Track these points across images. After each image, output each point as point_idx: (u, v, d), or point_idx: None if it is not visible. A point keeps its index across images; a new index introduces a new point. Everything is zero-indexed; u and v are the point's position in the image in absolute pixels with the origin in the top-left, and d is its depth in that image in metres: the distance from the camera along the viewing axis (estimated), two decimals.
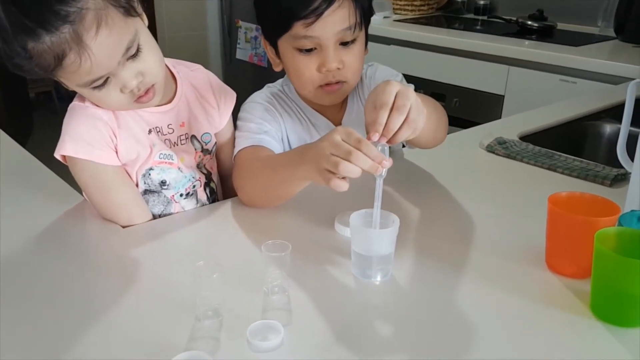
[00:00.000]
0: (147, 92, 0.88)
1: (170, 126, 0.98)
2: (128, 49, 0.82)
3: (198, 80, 1.04)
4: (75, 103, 0.92)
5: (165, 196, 0.99)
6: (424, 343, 0.68)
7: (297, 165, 0.85)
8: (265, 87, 1.15)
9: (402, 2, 2.78)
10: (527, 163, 1.15)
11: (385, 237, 0.77)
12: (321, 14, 0.94)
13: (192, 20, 3.59)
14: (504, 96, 2.20)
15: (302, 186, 0.91)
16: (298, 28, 0.96)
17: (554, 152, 1.19)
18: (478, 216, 0.98)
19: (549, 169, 1.13)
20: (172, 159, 0.98)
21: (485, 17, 2.75)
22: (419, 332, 0.70)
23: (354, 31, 0.98)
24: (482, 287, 0.77)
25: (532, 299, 0.75)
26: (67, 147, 0.89)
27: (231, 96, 1.08)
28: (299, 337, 0.68)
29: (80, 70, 0.79)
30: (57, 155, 0.91)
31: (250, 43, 3.34)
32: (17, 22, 0.75)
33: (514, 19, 2.49)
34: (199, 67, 1.07)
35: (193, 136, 1.02)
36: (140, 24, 0.85)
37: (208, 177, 1.05)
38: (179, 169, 0.99)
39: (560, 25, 2.45)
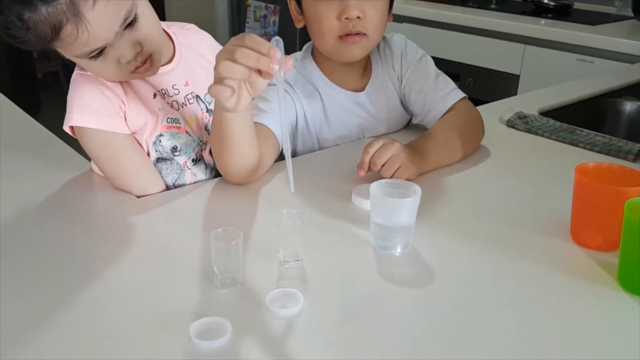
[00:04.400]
0: (144, 62, 0.86)
1: (175, 87, 0.97)
2: (126, 19, 0.80)
3: (194, 39, 1.03)
4: (77, 73, 0.90)
5: (177, 163, 0.97)
6: (445, 314, 0.66)
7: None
8: None
9: None
10: (549, 138, 1.12)
11: (407, 207, 0.75)
12: None
13: None
14: (519, 76, 2.16)
15: (235, 127, 0.83)
16: None
17: (575, 127, 1.16)
18: (500, 189, 0.96)
19: (570, 143, 1.10)
20: (180, 123, 0.96)
21: None
22: (440, 303, 0.68)
23: None
24: (505, 260, 0.76)
25: (558, 271, 0.73)
26: (75, 118, 0.87)
27: None
28: (317, 305, 0.66)
29: (77, 41, 0.78)
30: (66, 127, 0.89)
31: (259, 22, 3.30)
32: None
33: None
34: (192, 26, 1.06)
35: (197, 96, 1.00)
36: None
37: None
38: (187, 132, 0.98)
39: (577, 5, 2.40)
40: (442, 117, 1.06)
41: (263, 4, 3.25)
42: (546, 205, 0.90)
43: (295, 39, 2.56)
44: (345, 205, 0.89)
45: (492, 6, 2.53)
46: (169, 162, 0.97)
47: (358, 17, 0.97)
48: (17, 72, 3.61)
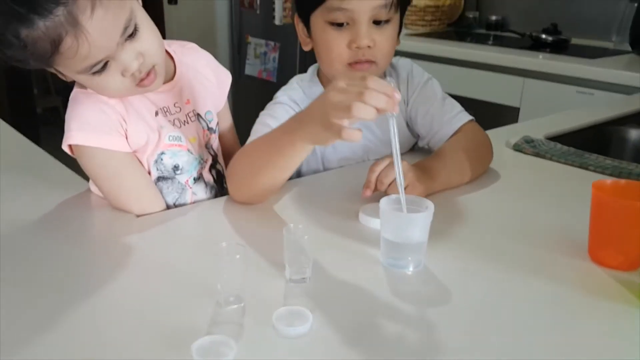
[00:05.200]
0: (148, 74, 0.84)
1: (176, 104, 0.95)
2: (125, 28, 0.78)
3: (194, 57, 1.03)
4: (77, 90, 0.88)
5: (179, 182, 0.95)
6: (462, 334, 0.62)
7: (295, 130, 0.78)
8: (292, 80, 1.12)
9: (414, 17, 2.77)
10: (557, 161, 1.10)
11: (419, 223, 0.72)
12: None
13: (202, 36, 3.59)
14: (519, 108, 2.16)
15: (300, 158, 0.83)
16: (333, 0, 0.94)
17: (583, 151, 1.14)
18: (511, 210, 0.93)
19: (580, 166, 1.08)
20: (181, 141, 0.94)
21: (497, 32, 2.73)
22: (457, 322, 0.64)
23: (389, 10, 0.96)
24: (522, 280, 0.72)
25: (578, 291, 0.70)
26: (73, 136, 0.85)
27: (227, 75, 1.07)
28: (326, 324, 0.63)
29: (78, 54, 0.75)
30: (65, 146, 0.87)
31: (259, 59, 3.33)
32: (6, 10, 0.70)
33: (527, 33, 2.47)
34: (193, 45, 1.05)
35: (198, 114, 0.99)
36: (135, 4, 0.82)
37: (215, 158, 1.02)
38: (188, 150, 0.95)
39: (575, 40, 2.43)
40: (449, 138, 1.05)
41: (263, 41, 3.28)
42: (561, 226, 0.87)
43: (294, 73, 2.57)
44: (353, 224, 0.86)
45: (490, 42, 2.56)
46: (170, 181, 0.94)
47: (368, 46, 0.96)
48: (16, 108, 3.61)
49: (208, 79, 1.02)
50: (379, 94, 0.68)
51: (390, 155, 0.92)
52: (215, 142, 1.02)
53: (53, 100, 4.24)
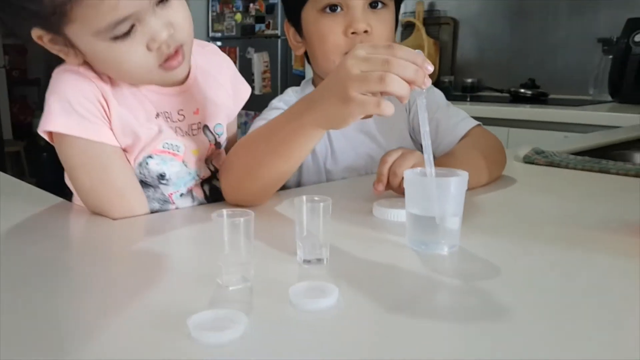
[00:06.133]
0: (176, 52, 0.73)
1: (181, 112, 0.83)
2: None
3: (214, 62, 0.91)
4: (63, 68, 0.76)
5: (162, 193, 0.82)
6: (515, 309, 0.51)
7: (304, 112, 0.67)
8: (287, 90, 1.04)
9: None
10: (574, 168, 1.02)
11: (452, 190, 0.61)
12: None
13: None
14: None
15: (309, 147, 0.71)
16: None
17: (599, 158, 1.06)
18: (544, 202, 0.84)
19: (600, 171, 1.00)
20: (179, 151, 0.82)
21: (474, 94, 2.75)
22: (508, 298, 0.53)
23: None
24: (576, 258, 0.61)
25: (633, 265, 0.59)
26: (55, 122, 0.73)
27: (246, 88, 0.95)
28: (355, 300, 0.50)
29: (103, 4, 0.65)
30: (42, 131, 0.74)
31: (240, 129, 3.27)
32: None
33: (506, 89, 2.48)
34: (214, 48, 0.94)
35: (206, 126, 0.86)
36: None
37: (214, 174, 0.88)
38: (183, 162, 0.83)
39: (553, 95, 2.45)
40: (459, 141, 0.96)
41: (243, 111, 3.24)
42: (602, 213, 0.77)
43: None
44: (368, 218, 0.74)
45: (468, 100, 2.56)
46: (152, 189, 0.82)
47: (365, 32, 0.89)
48: None
49: (225, 89, 0.90)
50: (408, 64, 0.59)
51: (401, 147, 0.83)
52: (220, 158, 0.89)
53: (16, 144, 4.18)
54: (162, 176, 0.81)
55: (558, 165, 1.04)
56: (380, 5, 0.91)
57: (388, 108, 0.60)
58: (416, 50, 0.62)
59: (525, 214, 0.78)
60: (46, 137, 0.75)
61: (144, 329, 0.45)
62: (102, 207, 0.76)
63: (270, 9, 3.07)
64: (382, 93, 0.61)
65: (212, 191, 0.88)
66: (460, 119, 0.99)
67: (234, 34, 3.31)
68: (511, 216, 0.77)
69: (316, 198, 0.58)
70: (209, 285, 0.53)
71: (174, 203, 0.83)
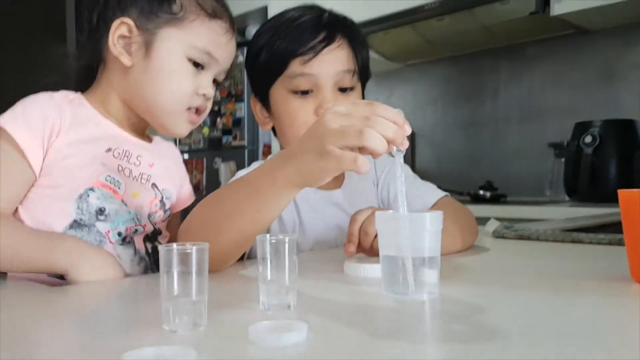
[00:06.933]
0: (199, 112, 0.85)
1: (139, 157, 0.83)
2: (225, 75, 0.87)
3: (170, 148, 0.96)
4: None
5: (98, 231, 0.76)
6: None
7: (277, 168, 0.62)
8: (254, 163, 1.01)
9: None
10: (546, 240, 0.99)
11: (427, 227, 0.56)
12: (319, 51, 0.88)
13: None
14: None
15: (280, 207, 0.66)
16: (295, 66, 0.88)
17: (571, 231, 1.04)
18: (525, 260, 0.80)
19: (572, 242, 0.96)
20: (120, 189, 0.79)
21: None
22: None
23: (352, 76, 0.91)
24: (564, 300, 0.55)
25: (625, 309, 0.53)
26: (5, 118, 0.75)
27: (189, 183, 0.97)
28: (325, 336, 0.43)
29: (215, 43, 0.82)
30: None
31: None
32: None
33: (465, 191, 2.51)
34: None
35: (154, 184, 0.84)
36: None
37: (155, 233, 0.84)
38: (122, 201, 0.79)
39: (511, 197, 2.48)
40: (429, 210, 0.92)
41: None
42: (583, 268, 0.72)
43: None
44: (339, 277, 0.68)
45: None
46: (87, 229, 0.76)
47: None
48: None
49: (179, 167, 0.94)
50: (389, 122, 0.57)
51: (371, 207, 0.78)
52: (160, 221, 0.86)
53: None
54: (101, 211, 0.77)
55: (529, 238, 1.01)
56: (348, 90, 0.92)
57: (364, 165, 0.57)
58: (396, 110, 0.59)
59: (505, 269, 0.74)
60: None
61: None
62: None
63: (237, 122, 3.12)
64: (360, 150, 0.57)
65: (153, 251, 0.83)
66: (429, 188, 0.97)
67: (201, 146, 3.33)
68: (491, 272, 0.72)
69: (281, 236, 0.52)
70: (152, 330, 0.45)
71: (112, 243, 0.78)
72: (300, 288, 0.54)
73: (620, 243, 0.92)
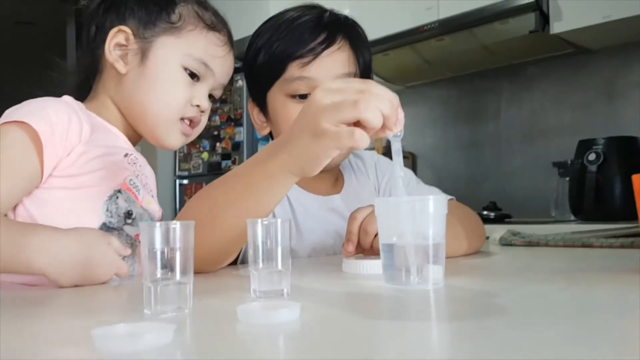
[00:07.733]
0: (192, 125, 0.81)
1: (141, 167, 0.81)
2: (223, 88, 0.84)
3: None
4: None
5: (127, 234, 0.73)
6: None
7: (273, 155, 0.59)
8: None
9: None
10: (555, 246, 0.94)
11: (431, 211, 0.52)
12: (319, 53, 0.85)
13: None
14: None
15: (277, 197, 0.62)
16: (293, 69, 0.85)
17: (580, 232, 1.00)
18: (534, 264, 0.75)
19: (583, 246, 0.92)
20: (139, 193, 0.76)
21: None
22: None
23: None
24: (582, 288, 0.51)
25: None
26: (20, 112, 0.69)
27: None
28: (318, 317, 0.39)
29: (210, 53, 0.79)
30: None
31: None
32: None
33: None
34: None
35: (153, 196, 0.83)
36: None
37: None
38: (142, 207, 0.77)
39: (515, 217, 2.44)
40: None
41: None
42: (600, 261, 0.69)
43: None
44: (337, 274, 0.64)
45: None
46: (117, 233, 0.72)
47: None
48: None
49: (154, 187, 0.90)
50: (383, 97, 0.53)
51: (371, 205, 0.75)
52: None
53: None
54: (129, 214, 0.74)
55: (537, 244, 0.97)
56: None
57: (363, 138, 0.52)
58: (392, 92, 0.56)
59: (516, 267, 0.71)
60: None
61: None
62: None
63: (237, 146, 3.11)
64: (355, 124, 0.54)
65: None
66: (433, 191, 0.94)
67: (200, 171, 3.32)
68: (501, 269, 0.69)
69: (272, 219, 0.49)
70: (134, 315, 0.41)
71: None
72: (295, 282, 0.50)
73: (632, 246, 0.88)
